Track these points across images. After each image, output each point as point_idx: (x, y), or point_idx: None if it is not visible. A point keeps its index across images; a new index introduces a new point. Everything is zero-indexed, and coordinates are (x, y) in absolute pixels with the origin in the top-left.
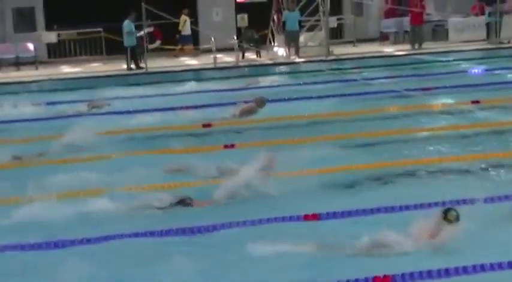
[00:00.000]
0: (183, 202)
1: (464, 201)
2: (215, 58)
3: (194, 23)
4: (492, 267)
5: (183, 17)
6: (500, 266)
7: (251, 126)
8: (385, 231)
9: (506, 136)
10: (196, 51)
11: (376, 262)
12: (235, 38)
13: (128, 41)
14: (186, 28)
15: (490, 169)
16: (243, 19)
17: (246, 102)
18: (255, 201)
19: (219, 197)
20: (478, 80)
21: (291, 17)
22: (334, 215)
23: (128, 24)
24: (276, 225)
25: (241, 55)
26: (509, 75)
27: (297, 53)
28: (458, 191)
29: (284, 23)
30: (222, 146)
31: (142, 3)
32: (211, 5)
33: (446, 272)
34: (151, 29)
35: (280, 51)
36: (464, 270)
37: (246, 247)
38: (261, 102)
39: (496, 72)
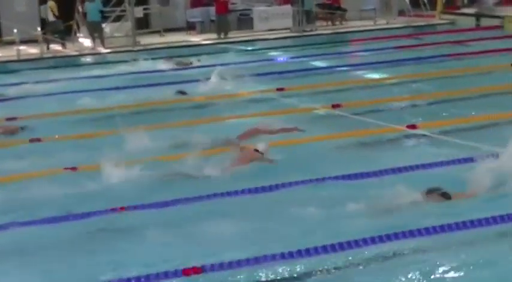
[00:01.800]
0: None
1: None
2: (18, 50)
3: None
4: None
5: (52, 3)
6: None
7: (59, 119)
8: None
9: (311, 122)
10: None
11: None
12: (39, 29)
13: None
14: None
15: (300, 155)
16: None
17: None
18: None
19: None
20: (282, 68)
21: (91, 7)
22: None
23: None
24: None
25: (46, 47)
26: (312, 63)
27: (102, 43)
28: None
29: (86, 14)
30: (28, 140)
31: None
32: None
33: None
34: None
35: (86, 42)
36: None
37: None
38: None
39: (300, 59)
